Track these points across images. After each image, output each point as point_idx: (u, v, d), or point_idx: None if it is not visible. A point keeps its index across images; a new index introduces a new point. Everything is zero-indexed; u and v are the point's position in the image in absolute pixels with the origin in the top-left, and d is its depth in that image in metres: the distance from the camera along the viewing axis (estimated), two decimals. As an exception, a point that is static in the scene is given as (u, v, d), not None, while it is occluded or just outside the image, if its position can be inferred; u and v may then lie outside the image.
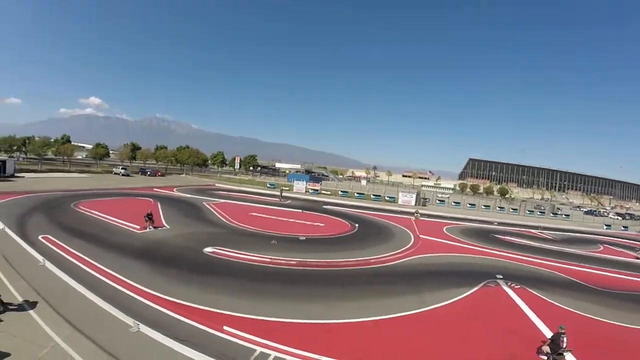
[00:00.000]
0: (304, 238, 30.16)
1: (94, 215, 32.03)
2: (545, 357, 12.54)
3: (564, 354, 12.35)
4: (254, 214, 41.29)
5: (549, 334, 14.47)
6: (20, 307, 13.91)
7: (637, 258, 38.23)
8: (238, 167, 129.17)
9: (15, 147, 79.76)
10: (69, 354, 11.01)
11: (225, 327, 13.34)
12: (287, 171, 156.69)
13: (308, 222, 38.68)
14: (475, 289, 20.56)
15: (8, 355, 10.62)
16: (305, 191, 77.07)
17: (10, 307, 13.80)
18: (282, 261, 23.04)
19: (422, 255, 27.68)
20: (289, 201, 58.81)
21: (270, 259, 23.23)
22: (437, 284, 20.72)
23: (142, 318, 13.36)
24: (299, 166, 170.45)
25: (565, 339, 12.17)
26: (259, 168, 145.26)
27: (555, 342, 12.38)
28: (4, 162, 55.86)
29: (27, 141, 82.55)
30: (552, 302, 19.65)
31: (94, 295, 14.87)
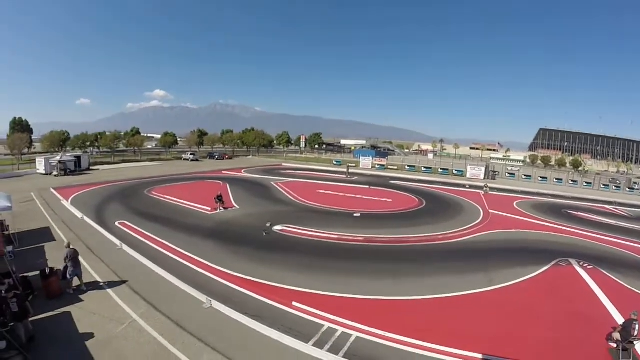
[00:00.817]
0: (359, 214, 30.38)
1: (166, 200, 34.27)
2: (615, 345, 12.01)
3: (635, 342, 11.80)
4: (321, 191, 42.10)
5: (620, 319, 13.95)
6: (100, 287, 15.37)
7: None
8: (303, 146, 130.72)
9: (88, 143, 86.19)
10: (145, 330, 12.18)
11: (294, 303, 14.10)
12: (353, 147, 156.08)
13: (375, 198, 39.06)
14: (546, 268, 20.26)
15: (91, 334, 11.74)
16: (372, 167, 77.12)
17: (90, 287, 15.27)
18: (350, 237, 23.51)
19: (492, 232, 27.47)
20: (355, 177, 59.34)
21: (338, 235, 23.81)
22: (506, 262, 20.66)
23: (214, 294, 14.40)
24: (364, 142, 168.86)
25: (637, 327, 11.61)
26: (324, 146, 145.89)
27: (626, 330, 11.81)
28: (79, 157, 60.89)
29: (99, 136, 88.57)
30: (627, 285, 18.64)
31: (168, 274, 16.13)
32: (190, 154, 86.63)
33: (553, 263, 20.99)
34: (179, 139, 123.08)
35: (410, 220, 29.74)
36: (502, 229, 28.52)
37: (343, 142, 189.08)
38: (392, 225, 27.30)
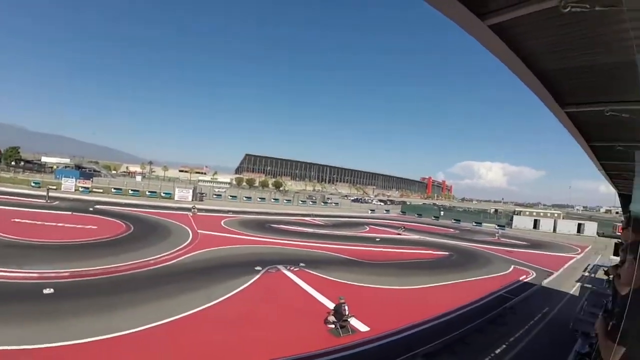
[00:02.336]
0: (62, 245, 25.00)
1: None
2: (333, 325, 13.68)
3: (348, 319, 13.80)
4: (17, 220, 33.08)
5: (331, 305, 15.41)
6: None
7: (399, 234, 46.32)
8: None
9: None
10: None
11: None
12: (55, 166, 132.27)
13: (79, 226, 32.94)
14: (258, 276, 20.71)
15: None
16: (75, 189, 66.55)
17: None
18: (52, 274, 18.37)
19: (202, 251, 26.64)
20: (57, 202, 49.56)
21: (38, 273, 18.25)
22: (220, 277, 20.16)
23: None
24: (68, 160, 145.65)
25: (346, 307, 13.62)
26: (22, 163, 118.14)
27: (338, 312, 13.66)
28: None
29: None
30: (330, 278, 21.47)
31: None
32: None
33: (264, 271, 21.78)
34: None
35: (118, 247, 26.16)
36: (213, 247, 28.29)
37: (45, 159, 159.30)
38: (100, 255, 23.24)
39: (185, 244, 28.72)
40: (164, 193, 68.12)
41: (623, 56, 4.08)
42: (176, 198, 65.90)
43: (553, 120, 8.10)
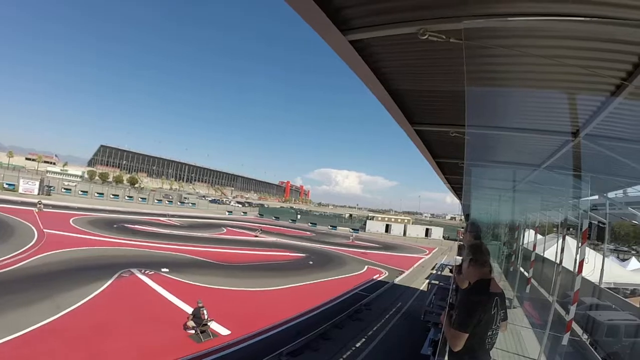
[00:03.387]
0: None
1: None
2: (193, 331, 13.53)
3: (208, 324, 13.68)
4: None
5: (189, 309, 15.12)
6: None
7: (256, 236, 46.74)
8: None
9: None
10: None
11: None
12: None
13: None
14: (110, 281, 19.39)
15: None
16: None
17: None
18: None
19: (49, 253, 23.80)
20: None
21: None
22: (69, 284, 18.35)
23: None
24: None
25: (205, 311, 13.50)
26: None
27: (197, 316, 13.54)
28: None
29: None
30: (186, 281, 20.99)
31: None
32: None
33: (117, 275, 20.37)
34: None
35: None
36: (61, 248, 25.41)
37: None
38: None
39: (30, 245, 25.43)
40: (6, 184, 59.16)
41: (462, 86, 4.74)
42: (20, 191, 57.80)
43: (405, 136, 8.81)
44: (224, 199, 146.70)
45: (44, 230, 31.09)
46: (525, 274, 13.37)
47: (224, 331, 14.41)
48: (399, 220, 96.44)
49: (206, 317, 13.46)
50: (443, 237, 77.60)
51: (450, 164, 10.78)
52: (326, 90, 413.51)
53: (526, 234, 16.05)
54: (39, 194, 57.88)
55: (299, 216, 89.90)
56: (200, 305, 13.69)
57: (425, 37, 3.53)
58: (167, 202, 77.33)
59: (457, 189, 17.21)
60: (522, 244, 15.84)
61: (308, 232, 64.14)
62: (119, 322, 14.48)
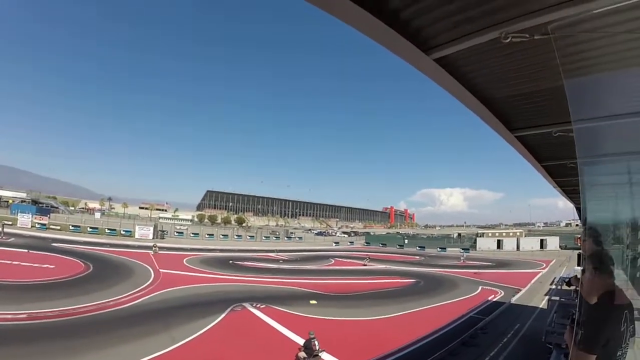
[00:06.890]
0: (17, 286, 23.78)
1: None
2: None
3: (319, 354, 13.46)
4: None
5: (301, 340, 15.06)
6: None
7: (365, 265, 46.53)
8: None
9: None
10: None
11: None
12: (11, 200, 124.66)
13: (36, 264, 31.46)
14: (224, 315, 20.14)
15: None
16: (32, 225, 63.40)
17: None
18: (9, 316, 17.54)
19: (165, 290, 25.74)
20: (12, 239, 47.02)
21: None
22: (184, 318, 19.44)
23: None
24: (24, 194, 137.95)
25: (316, 342, 13.29)
26: None
27: (308, 347, 13.37)
28: None
29: None
30: (297, 313, 21.08)
31: None
32: None
33: (229, 309, 21.19)
34: None
35: (76, 287, 25.09)
36: (175, 286, 27.45)
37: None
38: (59, 296, 22.26)
39: (147, 283, 27.81)
40: (123, 231, 66.13)
41: (559, 81, 4.49)
42: (137, 236, 64.08)
43: (505, 144, 8.45)
44: (330, 231, 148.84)
45: (160, 270, 33.84)
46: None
47: (335, 362, 14.19)
48: (511, 234, 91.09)
49: (317, 347, 13.41)
50: (560, 246, 71.62)
51: (558, 166, 10.08)
52: (420, 113, 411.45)
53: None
54: (153, 238, 63.35)
55: (406, 241, 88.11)
56: (312, 336, 13.62)
57: (508, 39, 3.54)
58: (274, 238, 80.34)
59: (568, 192, 15.84)
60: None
61: (417, 257, 62.56)
62: (231, 353, 14.92)
